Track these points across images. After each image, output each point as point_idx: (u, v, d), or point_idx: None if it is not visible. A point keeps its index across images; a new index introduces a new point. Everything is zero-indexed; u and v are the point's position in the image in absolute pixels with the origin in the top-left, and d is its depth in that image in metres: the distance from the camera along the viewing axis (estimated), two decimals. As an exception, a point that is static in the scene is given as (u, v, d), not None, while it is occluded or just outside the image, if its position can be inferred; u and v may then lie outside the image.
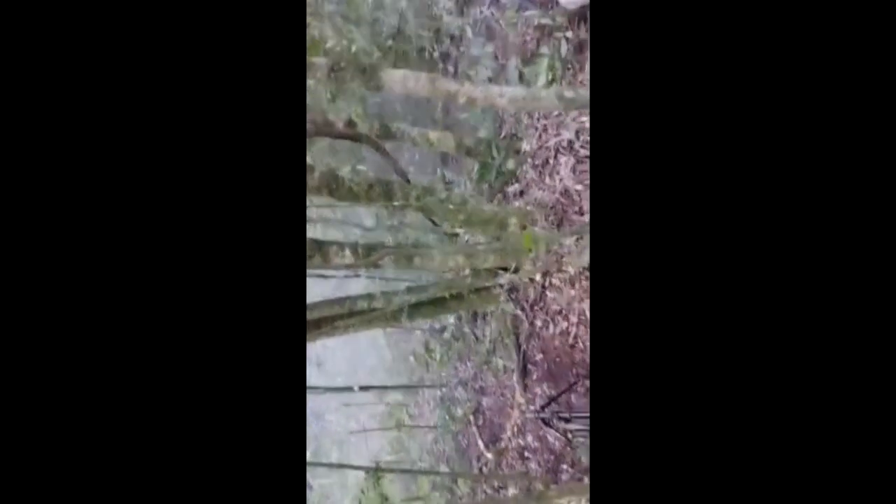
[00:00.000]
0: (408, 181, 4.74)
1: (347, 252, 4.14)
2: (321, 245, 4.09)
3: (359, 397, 7.00)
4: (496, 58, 4.25)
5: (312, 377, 7.90)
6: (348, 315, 4.27)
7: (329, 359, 7.79)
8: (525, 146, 4.74)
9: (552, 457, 4.05)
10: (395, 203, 4.23)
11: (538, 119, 4.63)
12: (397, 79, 2.87)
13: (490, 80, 4.34)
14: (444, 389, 6.37)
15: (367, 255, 4.21)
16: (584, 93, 2.87)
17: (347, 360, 7.52)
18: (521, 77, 4.29)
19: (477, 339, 5.41)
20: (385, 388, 6.89)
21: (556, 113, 4.38)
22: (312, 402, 7.42)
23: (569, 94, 2.90)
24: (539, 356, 4.40)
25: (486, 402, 5.43)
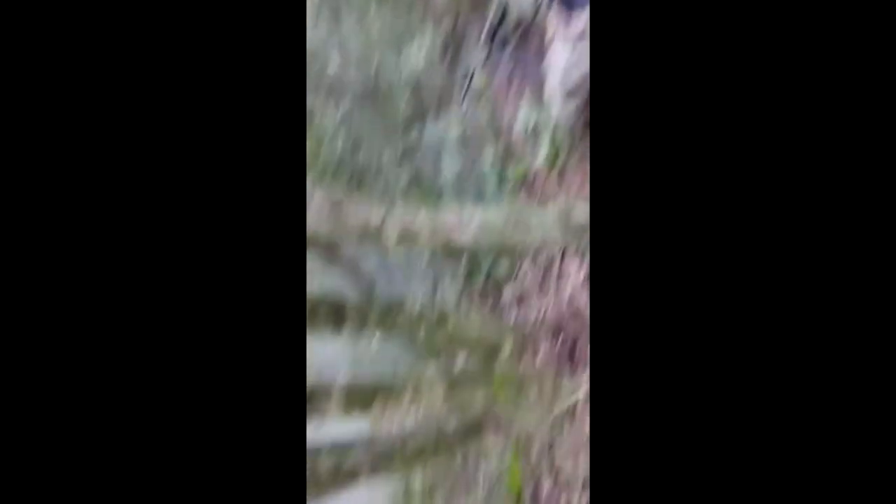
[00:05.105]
0: (371, 293, 3.67)
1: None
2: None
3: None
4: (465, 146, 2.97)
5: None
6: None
7: None
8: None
9: None
10: (345, 327, 3.15)
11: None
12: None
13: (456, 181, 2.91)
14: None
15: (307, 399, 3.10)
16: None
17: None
18: (500, 182, 2.85)
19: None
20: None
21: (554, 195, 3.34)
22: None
23: (579, 216, 1.84)
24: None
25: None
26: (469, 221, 1.93)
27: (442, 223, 1.90)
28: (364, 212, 1.80)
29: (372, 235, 1.85)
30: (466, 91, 3.98)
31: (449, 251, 2.91)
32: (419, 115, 3.50)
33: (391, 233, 1.83)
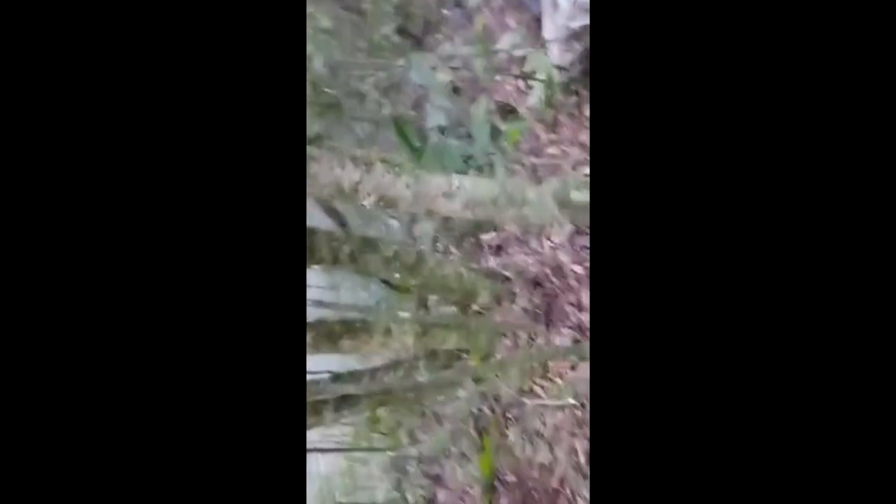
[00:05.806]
0: (343, 226, 3.55)
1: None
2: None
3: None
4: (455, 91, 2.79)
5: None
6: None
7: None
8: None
9: None
10: (317, 262, 3.04)
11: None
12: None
13: (442, 132, 2.67)
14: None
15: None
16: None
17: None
18: (493, 138, 2.59)
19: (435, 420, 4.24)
20: None
21: (548, 149, 3.20)
22: None
23: (578, 195, 1.73)
24: (511, 478, 3.25)
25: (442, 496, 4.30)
26: (456, 191, 1.79)
27: (425, 191, 1.76)
28: (337, 172, 1.65)
29: (347, 196, 1.71)
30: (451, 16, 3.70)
31: (431, 216, 2.75)
32: (405, 44, 3.25)
33: (367, 197, 1.69)
